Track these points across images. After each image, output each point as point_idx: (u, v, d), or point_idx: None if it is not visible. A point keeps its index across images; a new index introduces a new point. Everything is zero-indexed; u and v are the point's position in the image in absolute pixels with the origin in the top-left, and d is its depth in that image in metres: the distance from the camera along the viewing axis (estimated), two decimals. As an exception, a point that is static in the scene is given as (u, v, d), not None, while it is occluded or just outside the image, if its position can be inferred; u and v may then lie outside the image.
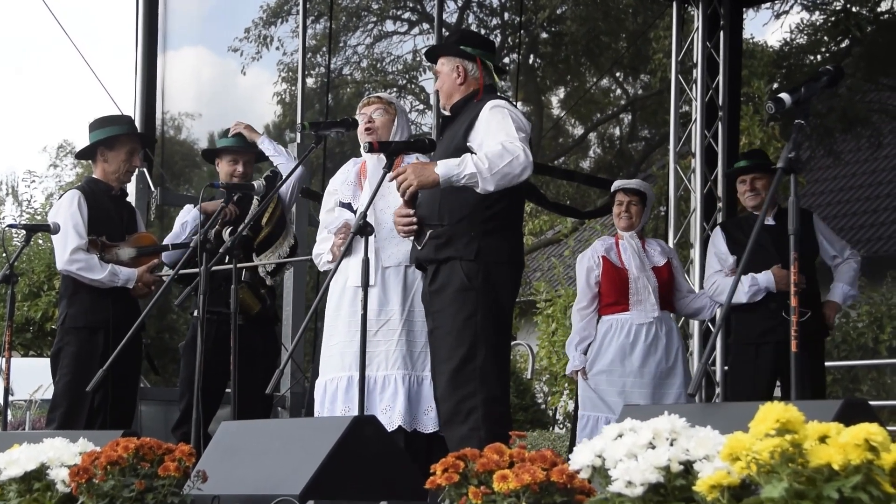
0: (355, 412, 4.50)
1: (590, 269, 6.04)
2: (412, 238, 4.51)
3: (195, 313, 5.61)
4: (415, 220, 4.43)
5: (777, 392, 6.27)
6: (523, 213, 4.60)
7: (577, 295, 6.15)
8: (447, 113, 4.61)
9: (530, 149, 4.30)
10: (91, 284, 5.44)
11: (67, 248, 5.41)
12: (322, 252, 4.93)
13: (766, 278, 5.89)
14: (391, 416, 4.58)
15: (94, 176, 5.69)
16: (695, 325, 8.43)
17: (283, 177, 5.72)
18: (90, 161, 5.77)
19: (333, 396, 4.72)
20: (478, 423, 4.20)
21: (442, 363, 4.34)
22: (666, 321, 5.96)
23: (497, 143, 4.23)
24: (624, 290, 5.94)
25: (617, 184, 6.21)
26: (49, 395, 5.97)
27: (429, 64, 9.19)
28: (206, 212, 5.52)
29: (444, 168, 4.21)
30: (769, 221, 6.01)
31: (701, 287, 7.05)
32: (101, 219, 5.52)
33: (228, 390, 5.55)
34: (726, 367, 8.52)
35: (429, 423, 4.65)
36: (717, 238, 6.23)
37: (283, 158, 5.88)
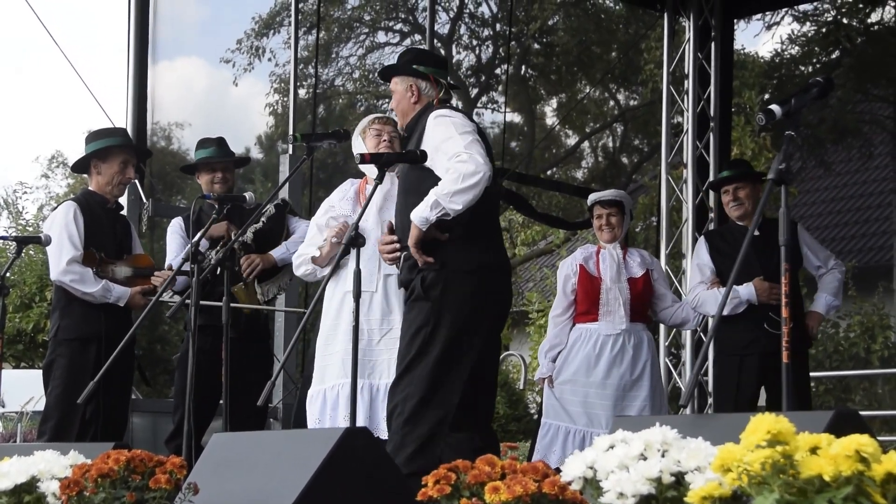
0: (359, 421, 4.54)
1: (567, 277, 6.06)
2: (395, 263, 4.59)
3: (186, 325, 5.60)
4: (398, 245, 4.50)
5: (763, 402, 6.27)
6: (497, 218, 4.58)
7: (554, 301, 6.17)
8: (404, 134, 4.70)
9: (485, 145, 4.35)
10: (83, 298, 5.43)
11: (62, 259, 5.40)
12: (305, 253, 4.98)
13: (747, 290, 5.88)
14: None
15: (89, 188, 5.68)
16: (687, 336, 8.43)
17: (279, 198, 5.71)
18: (85, 174, 5.76)
19: (335, 404, 4.76)
20: (399, 426, 4.28)
21: (397, 368, 4.44)
22: (636, 333, 5.95)
23: (448, 160, 4.30)
24: (596, 300, 5.95)
25: (592, 197, 6.19)
26: (41, 406, 5.95)
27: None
28: (212, 237, 5.50)
29: (415, 215, 4.32)
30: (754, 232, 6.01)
31: None
32: (95, 231, 5.50)
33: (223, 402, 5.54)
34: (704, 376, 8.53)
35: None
36: (701, 248, 6.22)
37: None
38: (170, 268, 5.59)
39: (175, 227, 5.87)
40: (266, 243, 5.66)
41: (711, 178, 8.57)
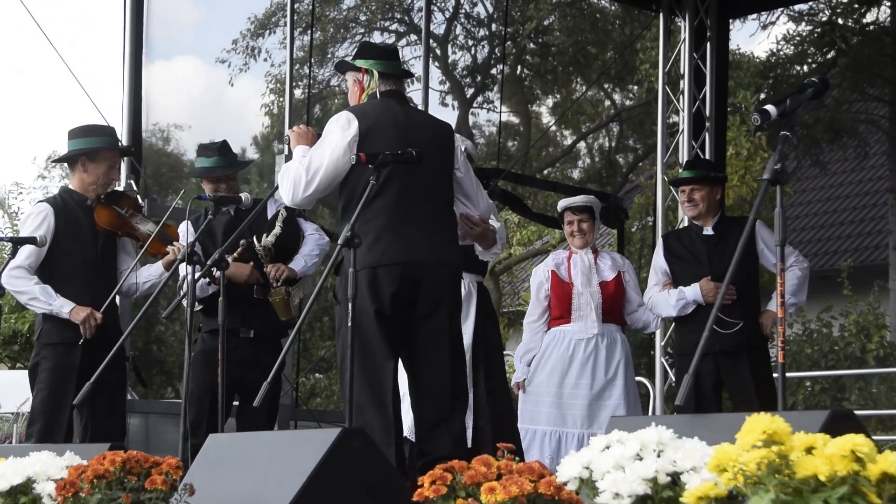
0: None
1: (540, 284, 6.11)
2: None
3: (201, 327, 5.56)
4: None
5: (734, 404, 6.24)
6: (396, 218, 4.42)
7: (528, 307, 6.22)
8: None
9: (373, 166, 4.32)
10: (26, 305, 5.49)
11: (12, 263, 5.38)
12: None
13: (693, 291, 5.89)
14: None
15: (70, 186, 5.65)
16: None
17: (273, 204, 5.67)
18: (65, 163, 5.73)
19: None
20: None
21: None
22: (609, 335, 5.98)
23: None
24: (568, 305, 6.00)
25: (562, 204, 6.21)
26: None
27: (417, 75, 9.27)
28: (232, 277, 5.30)
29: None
30: (707, 231, 6.01)
31: None
32: (70, 232, 5.47)
33: (236, 403, 5.52)
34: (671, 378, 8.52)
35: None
36: (658, 250, 6.25)
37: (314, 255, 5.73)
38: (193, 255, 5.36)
39: (182, 231, 5.78)
40: (286, 248, 5.60)
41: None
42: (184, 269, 4.96)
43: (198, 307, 5.21)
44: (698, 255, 5.98)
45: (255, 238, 5.46)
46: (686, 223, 8.53)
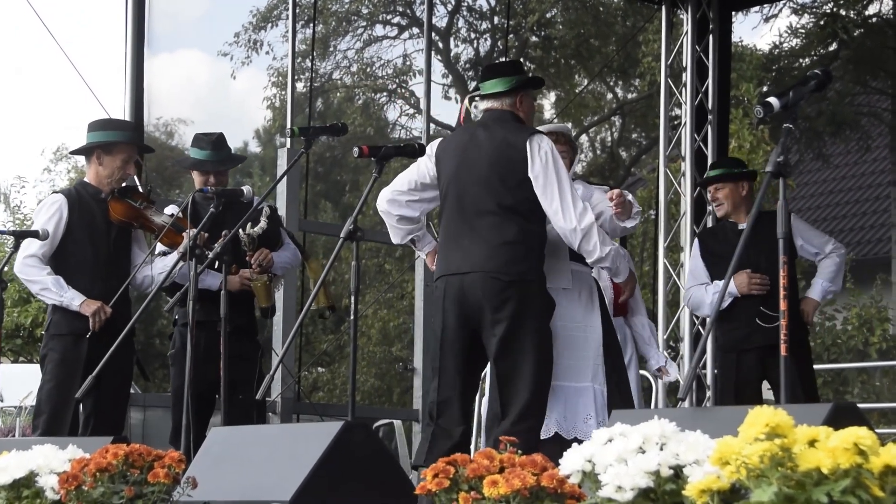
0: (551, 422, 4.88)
1: None
2: None
3: (176, 321, 5.54)
4: None
5: (769, 397, 6.26)
6: (449, 229, 4.77)
7: None
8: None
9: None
10: (38, 295, 5.54)
11: (23, 253, 5.39)
12: None
13: (731, 284, 5.85)
14: (547, 423, 4.85)
15: (85, 179, 5.66)
16: (685, 330, 8.43)
17: (266, 202, 5.65)
18: (84, 162, 5.73)
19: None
20: None
21: None
22: (621, 329, 5.89)
23: None
24: None
25: None
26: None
27: (419, 68, 9.27)
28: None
29: None
30: (742, 226, 5.96)
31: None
32: (83, 224, 5.47)
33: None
34: (716, 372, 8.51)
35: (589, 431, 4.92)
36: (694, 250, 6.21)
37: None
38: (204, 240, 5.31)
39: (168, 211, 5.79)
40: (266, 245, 5.60)
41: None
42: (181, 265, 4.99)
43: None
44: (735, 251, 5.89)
45: (239, 228, 5.41)
46: (689, 217, 8.52)
